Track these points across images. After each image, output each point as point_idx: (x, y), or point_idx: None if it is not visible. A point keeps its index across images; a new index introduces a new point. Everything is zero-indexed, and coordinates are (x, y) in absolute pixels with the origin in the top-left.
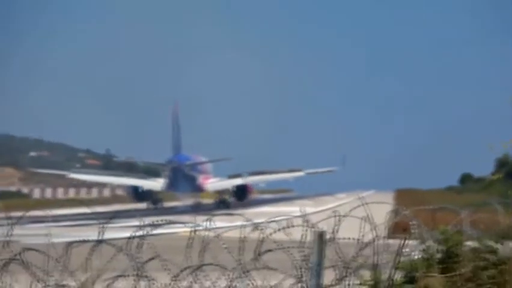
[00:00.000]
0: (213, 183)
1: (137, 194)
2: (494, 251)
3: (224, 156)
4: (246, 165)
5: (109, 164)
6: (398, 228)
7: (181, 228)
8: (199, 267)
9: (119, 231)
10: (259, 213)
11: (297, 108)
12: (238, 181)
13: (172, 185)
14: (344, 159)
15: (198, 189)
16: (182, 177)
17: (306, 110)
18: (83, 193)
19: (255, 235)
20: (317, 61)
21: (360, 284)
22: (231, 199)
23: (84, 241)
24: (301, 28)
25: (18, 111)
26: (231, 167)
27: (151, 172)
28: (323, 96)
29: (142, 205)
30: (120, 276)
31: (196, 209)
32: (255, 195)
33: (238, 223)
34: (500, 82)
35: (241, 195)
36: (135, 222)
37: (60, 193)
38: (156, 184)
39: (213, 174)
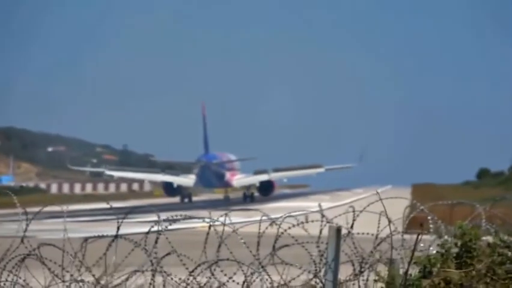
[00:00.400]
0: (239, 179)
1: (171, 189)
2: (510, 246)
3: (251, 155)
4: (271, 162)
5: (126, 160)
6: (415, 223)
7: (198, 223)
8: (215, 262)
9: (136, 226)
10: (276, 208)
11: (317, 106)
12: (264, 177)
13: (201, 181)
14: (361, 156)
15: (226, 184)
16: (211, 174)
17: (325, 108)
18: (100, 188)
19: (272, 230)
20: (333, 58)
21: (376, 279)
22: (256, 194)
23: (101, 236)
24: (314, 20)
25: (36, 106)
26: (257, 163)
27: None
28: (340, 93)
29: (175, 199)
30: (137, 271)
31: (224, 203)
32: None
33: (255, 218)
34: None
35: (266, 190)
36: (153, 217)
37: (77, 188)
38: (188, 180)
39: (240, 171)
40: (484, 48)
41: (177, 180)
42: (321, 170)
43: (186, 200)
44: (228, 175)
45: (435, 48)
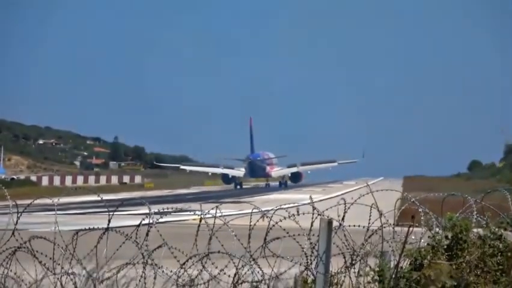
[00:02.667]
0: (276, 171)
1: (227, 179)
2: (501, 238)
3: (285, 152)
4: (298, 158)
5: (116, 152)
6: (406, 216)
7: (189, 216)
8: (206, 255)
9: (127, 219)
10: (268, 200)
11: (321, 108)
12: (294, 169)
13: (249, 173)
14: (364, 152)
15: (267, 175)
16: (256, 168)
17: (327, 108)
18: (91, 181)
19: (264, 223)
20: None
21: (366, 273)
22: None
23: (92, 229)
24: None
25: (28, 99)
26: (289, 159)
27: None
28: (339, 95)
29: (230, 186)
30: (128, 264)
31: (266, 188)
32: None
33: (247, 211)
34: (506, 68)
35: (296, 179)
36: (144, 210)
37: (68, 181)
38: (239, 172)
39: (277, 165)
40: (474, 42)
41: (232, 172)
42: (335, 164)
43: (238, 187)
44: (268, 168)
45: (426, 42)
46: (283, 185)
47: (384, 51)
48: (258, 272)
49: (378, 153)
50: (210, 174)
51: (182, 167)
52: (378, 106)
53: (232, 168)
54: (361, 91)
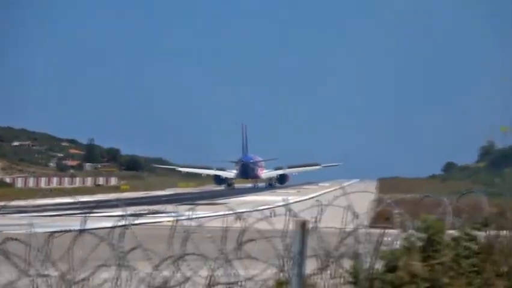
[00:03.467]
0: (265, 173)
1: (219, 180)
2: (476, 240)
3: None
4: (286, 161)
5: (91, 154)
6: (381, 217)
7: (164, 217)
8: (181, 257)
9: (102, 220)
10: (244, 202)
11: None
12: (281, 172)
13: (240, 174)
14: (346, 156)
15: (256, 177)
16: (248, 170)
17: (311, 112)
18: (66, 183)
19: (239, 224)
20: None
21: (341, 275)
22: (276, 183)
23: (66, 231)
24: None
25: (1, 101)
26: (276, 162)
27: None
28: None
29: (221, 187)
30: (102, 266)
31: (255, 188)
32: (238, 185)
33: (222, 212)
34: (483, 69)
35: (282, 180)
36: (119, 211)
37: (43, 183)
38: (230, 174)
39: (265, 167)
40: (447, 41)
41: (224, 174)
42: (319, 167)
43: (230, 187)
44: (258, 170)
45: (402, 45)
46: (270, 185)
47: (359, 53)
48: (233, 274)
49: (355, 155)
50: (181, 173)
51: (178, 168)
52: (353, 108)
53: (224, 170)
54: (340, 94)
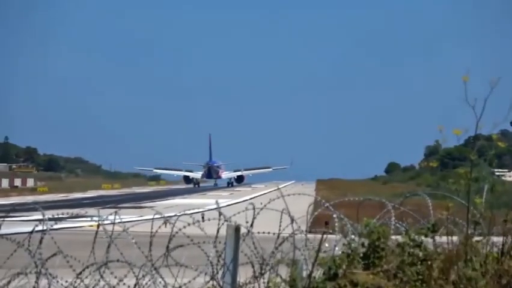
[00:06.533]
0: (226, 174)
1: (187, 179)
2: (421, 246)
3: (232, 161)
4: (243, 163)
5: (6, 153)
6: (319, 222)
7: (86, 222)
8: (105, 264)
9: (19, 225)
10: (171, 205)
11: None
12: (239, 173)
13: (206, 175)
14: (292, 160)
15: (219, 177)
16: (212, 171)
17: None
18: None
19: (166, 229)
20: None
21: (277, 284)
22: (234, 183)
23: None
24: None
25: None
26: (234, 165)
27: None
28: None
29: (189, 185)
30: (20, 273)
31: (216, 186)
32: (165, 186)
33: (148, 217)
34: (425, 71)
35: (240, 180)
36: (37, 215)
37: None
38: (198, 175)
39: (225, 169)
40: (402, 39)
41: (191, 174)
42: (270, 169)
43: (196, 186)
44: (220, 172)
45: (351, 50)
46: (230, 184)
47: (302, 53)
48: (160, 282)
49: (302, 158)
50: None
51: (155, 170)
52: (301, 112)
53: (192, 172)
54: (287, 101)
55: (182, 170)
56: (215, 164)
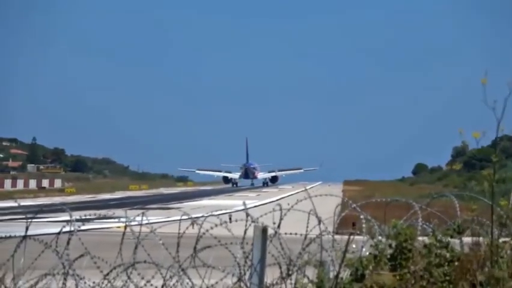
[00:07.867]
0: (261, 175)
1: (226, 180)
2: (448, 247)
3: (266, 162)
4: (277, 165)
5: (34, 154)
6: (347, 223)
7: (113, 223)
8: (132, 265)
9: (47, 226)
10: (198, 206)
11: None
12: (273, 174)
13: (243, 176)
14: (321, 161)
15: (255, 178)
16: (249, 172)
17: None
18: (7, 185)
19: (193, 230)
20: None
21: (304, 285)
22: (269, 183)
23: (8, 237)
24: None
25: None
26: (268, 166)
27: None
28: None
29: (228, 185)
30: (47, 274)
31: (253, 186)
32: (193, 187)
33: (175, 218)
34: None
35: (274, 180)
36: (65, 216)
37: None
38: (235, 175)
39: (261, 170)
40: (421, 44)
41: (230, 175)
42: (301, 170)
43: (234, 185)
44: (256, 173)
45: (373, 50)
46: (265, 184)
47: (326, 50)
48: (188, 283)
49: (332, 160)
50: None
51: (197, 171)
52: (329, 114)
53: (231, 172)
54: (317, 104)
55: (222, 171)
56: (251, 166)
